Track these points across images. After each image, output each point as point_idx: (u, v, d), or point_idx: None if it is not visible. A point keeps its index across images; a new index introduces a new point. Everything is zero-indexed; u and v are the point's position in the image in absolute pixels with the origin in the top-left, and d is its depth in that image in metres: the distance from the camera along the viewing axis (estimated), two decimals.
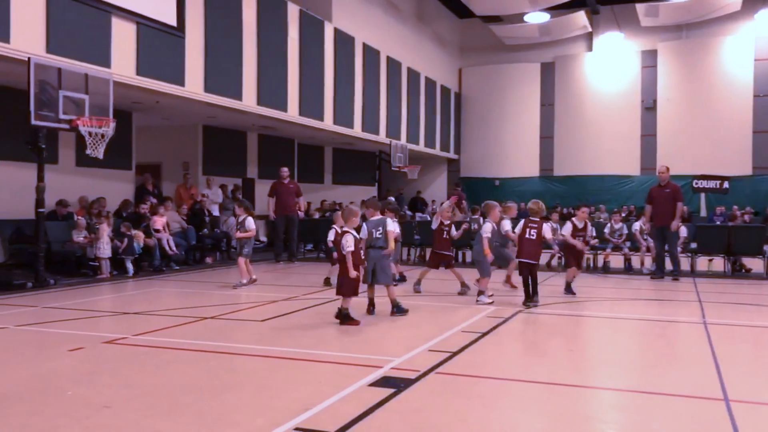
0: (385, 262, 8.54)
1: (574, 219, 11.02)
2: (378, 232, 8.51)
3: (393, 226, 9.19)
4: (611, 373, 5.97)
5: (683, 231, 13.87)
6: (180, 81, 13.66)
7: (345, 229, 8.09)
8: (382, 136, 22.56)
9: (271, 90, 16.58)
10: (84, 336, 7.08)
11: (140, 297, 10.51)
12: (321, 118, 18.91)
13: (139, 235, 13.02)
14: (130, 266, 12.74)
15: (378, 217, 8.87)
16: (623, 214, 22.37)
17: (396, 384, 5.12)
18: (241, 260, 11.23)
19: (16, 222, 12.79)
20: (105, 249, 12.35)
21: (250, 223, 11.31)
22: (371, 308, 8.57)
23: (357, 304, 8.26)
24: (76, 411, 4.54)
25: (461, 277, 10.60)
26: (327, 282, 11.41)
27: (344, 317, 7.78)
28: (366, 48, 21.46)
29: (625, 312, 9.53)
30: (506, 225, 9.87)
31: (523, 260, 9.41)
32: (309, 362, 6.00)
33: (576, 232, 10.74)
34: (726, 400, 4.91)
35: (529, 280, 9.30)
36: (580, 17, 26.59)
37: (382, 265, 8.45)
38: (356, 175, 25.98)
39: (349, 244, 7.84)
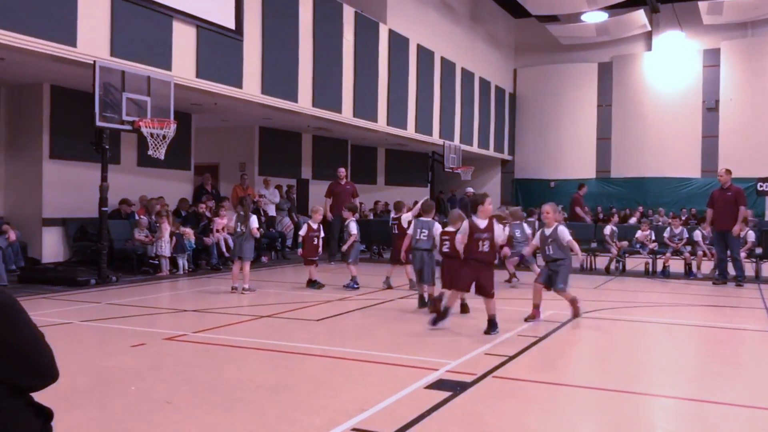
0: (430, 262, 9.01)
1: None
2: (423, 234, 8.94)
3: (353, 227, 11.22)
4: (672, 381, 5.82)
5: (751, 236, 13.40)
6: (238, 83, 13.89)
7: (450, 229, 8.37)
8: (435, 137, 22.50)
9: (326, 92, 16.71)
10: (145, 332, 7.26)
11: (198, 294, 10.72)
12: (375, 119, 18.98)
13: (188, 233, 13.26)
14: (181, 263, 13.02)
15: (428, 219, 9.20)
16: (683, 218, 21.80)
17: (453, 387, 5.09)
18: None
19: (80, 220, 13.21)
20: (165, 247, 12.66)
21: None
22: (422, 303, 8.96)
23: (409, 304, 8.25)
24: (139, 406, 4.65)
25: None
26: (311, 283, 11.04)
27: (445, 311, 7.64)
28: (420, 49, 21.44)
29: (686, 318, 9.27)
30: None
31: None
32: (364, 363, 6.02)
33: (474, 232, 7.35)
34: None
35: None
36: (640, 16, 26.02)
37: (429, 264, 8.92)
38: (409, 176, 25.98)
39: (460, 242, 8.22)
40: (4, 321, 1.74)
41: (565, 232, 8.07)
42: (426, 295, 8.96)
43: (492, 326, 7.31)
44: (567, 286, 8.23)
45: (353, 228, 11.35)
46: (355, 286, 10.92)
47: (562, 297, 8.34)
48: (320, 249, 11.54)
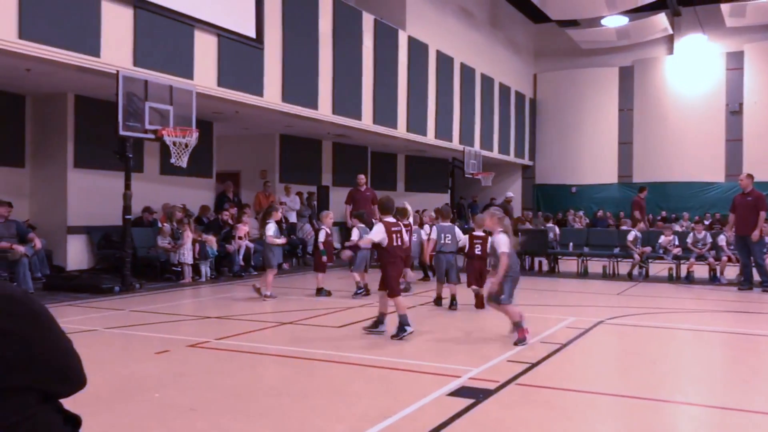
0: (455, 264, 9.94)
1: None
2: (447, 238, 9.76)
3: (355, 234, 11.04)
4: (697, 389, 5.74)
5: None
6: (259, 91, 13.98)
7: (479, 233, 9.50)
8: (455, 143, 22.47)
9: (346, 99, 16.77)
10: (169, 339, 7.31)
11: (221, 301, 10.79)
12: (395, 125, 19.00)
13: (210, 240, 13.34)
14: (203, 270, 13.11)
15: (448, 223, 10.07)
16: (707, 222, 21.54)
17: (475, 394, 5.07)
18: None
19: (104, 228, 13.35)
20: (188, 255, 12.75)
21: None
22: (438, 301, 9.88)
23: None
24: (163, 413, 4.69)
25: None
26: (320, 292, 10.99)
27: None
28: (439, 55, 21.45)
29: (711, 324, 9.16)
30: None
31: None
32: (386, 370, 6.01)
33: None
34: None
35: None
36: (661, 19, 25.82)
37: (455, 266, 9.86)
38: (429, 183, 25.93)
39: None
40: (34, 328, 1.76)
41: (499, 242, 7.18)
42: (444, 295, 9.82)
43: (398, 328, 7.28)
44: (510, 300, 7.24)
45: (354, 234, 11.25)
46: (359, 291, 10.83)
47: (504, 314, 7.32)
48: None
